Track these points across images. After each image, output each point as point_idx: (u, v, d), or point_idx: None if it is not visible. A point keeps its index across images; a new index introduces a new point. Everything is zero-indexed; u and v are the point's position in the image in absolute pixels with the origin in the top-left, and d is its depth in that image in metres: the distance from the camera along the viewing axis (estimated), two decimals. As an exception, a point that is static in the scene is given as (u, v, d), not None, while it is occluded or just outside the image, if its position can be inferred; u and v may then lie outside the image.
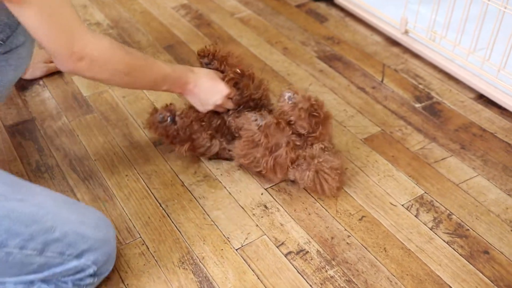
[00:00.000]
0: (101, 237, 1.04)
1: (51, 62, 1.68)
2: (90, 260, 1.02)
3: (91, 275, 1.03)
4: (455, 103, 1.59)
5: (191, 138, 1.32)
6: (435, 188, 1.33)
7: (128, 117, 1.54)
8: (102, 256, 1.03)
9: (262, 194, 1.32)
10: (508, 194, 1.31)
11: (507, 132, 1.48)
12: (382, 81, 1.67)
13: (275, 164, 1.25)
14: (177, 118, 1.31)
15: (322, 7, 2.04)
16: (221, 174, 1.37)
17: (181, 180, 1.36)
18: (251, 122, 1.29)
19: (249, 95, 1.32)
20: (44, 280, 1.01)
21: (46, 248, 0.97)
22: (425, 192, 1.32)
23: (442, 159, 1.40)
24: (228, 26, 1.94)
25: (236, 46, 1.83)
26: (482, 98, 1.60)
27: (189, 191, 1.33)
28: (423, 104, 1.58)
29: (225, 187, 1.34)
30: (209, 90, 1.28)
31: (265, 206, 1.29)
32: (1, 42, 1.10)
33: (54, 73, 1.69)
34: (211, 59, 1.37)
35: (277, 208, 1.28)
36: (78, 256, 1.00)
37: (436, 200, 1.30)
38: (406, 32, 1.75)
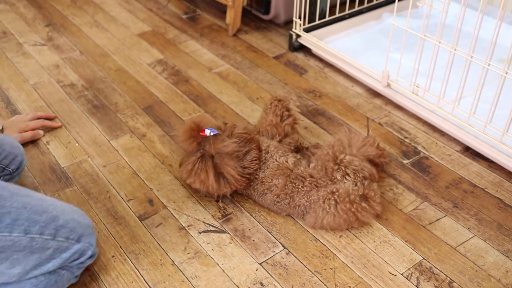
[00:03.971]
0: (88, 223, 1.19)
1: (25, 131, 1.61)
2: (88, 243, 1.17)
3: (89, 257, 1.19)
4: (443, 157, 1.57)
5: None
6: (432, 253, 1.30)
7: (110, 189, 1.48)
8: (93, 238, 1.19)
9: (257, 270, 1.27)
10: (506, 256, 1.29)
11: (497, 187, 1.47)
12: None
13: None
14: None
15: (300, 58, 2.03)
16: (213, 249, 1.31)
17: (171, 258, 1.29)
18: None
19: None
20: (57, 269, 1.15)
21: (57, 234, 1.12)
22: (423, 258, 1.29)
23: (436, 220, 1.38)
24: (207, 82, 1.90)
25: (216, 103, 1.79)
26: (469, 151, 1.59)
27: (180, 270, 1.27)
28: (411, 160, 1.57)
29: (217, 264, 1.28)
30: None
31: (261, 284, 1.23)
32: None
33: (29, 143, 1.62)
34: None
35: (274, 285, 1.23)
36: (78, 239, 1.15)
37: (435, 267, 1.27)
38: (388, 85, 1.74)
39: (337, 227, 1.34)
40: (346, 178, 1.34)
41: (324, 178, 1.35)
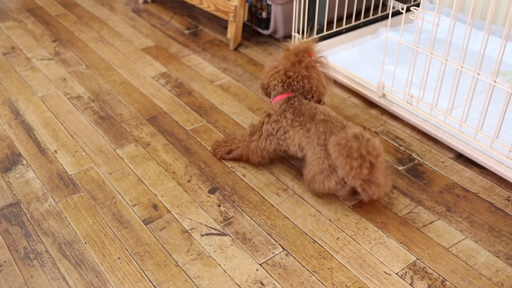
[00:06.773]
0: None
1: None
2: None
3: None
4: (436, 163, 1.63)
5: None
6: (426, 254, 1.35)
7: (115, 194, 1.53)
8: None
9: (257, 270, 1.32)
10: (497, 256, 1.34)
11: (489, 191, 1.53)
12: (364, 144, 1.71)
13: None
14: None
15: (299, 71, 2.09)
16: (214, 251, 1.37)
17: (174, 259, 1.35)
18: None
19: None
20: None
21: None
22: (417, 259, 1.34)
23: (430, 223, 1.43)
24: (209, 94, 1.97)
25: (218, 114, 1.86)
26: (462, 158, 1.65)
27: (183, 271, 1.32)
28: (406, 166, 1.62)
29: (219, 265, 1.33)
30: None
31: (261, 283, 1.28)
32: None
33: (37, 152, 1.68)
34: None
35: (274, 284, 1.28)
36: None
37: (428, 266, 1.32)
38: (384, 95, 1.80)
39: (351, 167, 1.35)
40: None
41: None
